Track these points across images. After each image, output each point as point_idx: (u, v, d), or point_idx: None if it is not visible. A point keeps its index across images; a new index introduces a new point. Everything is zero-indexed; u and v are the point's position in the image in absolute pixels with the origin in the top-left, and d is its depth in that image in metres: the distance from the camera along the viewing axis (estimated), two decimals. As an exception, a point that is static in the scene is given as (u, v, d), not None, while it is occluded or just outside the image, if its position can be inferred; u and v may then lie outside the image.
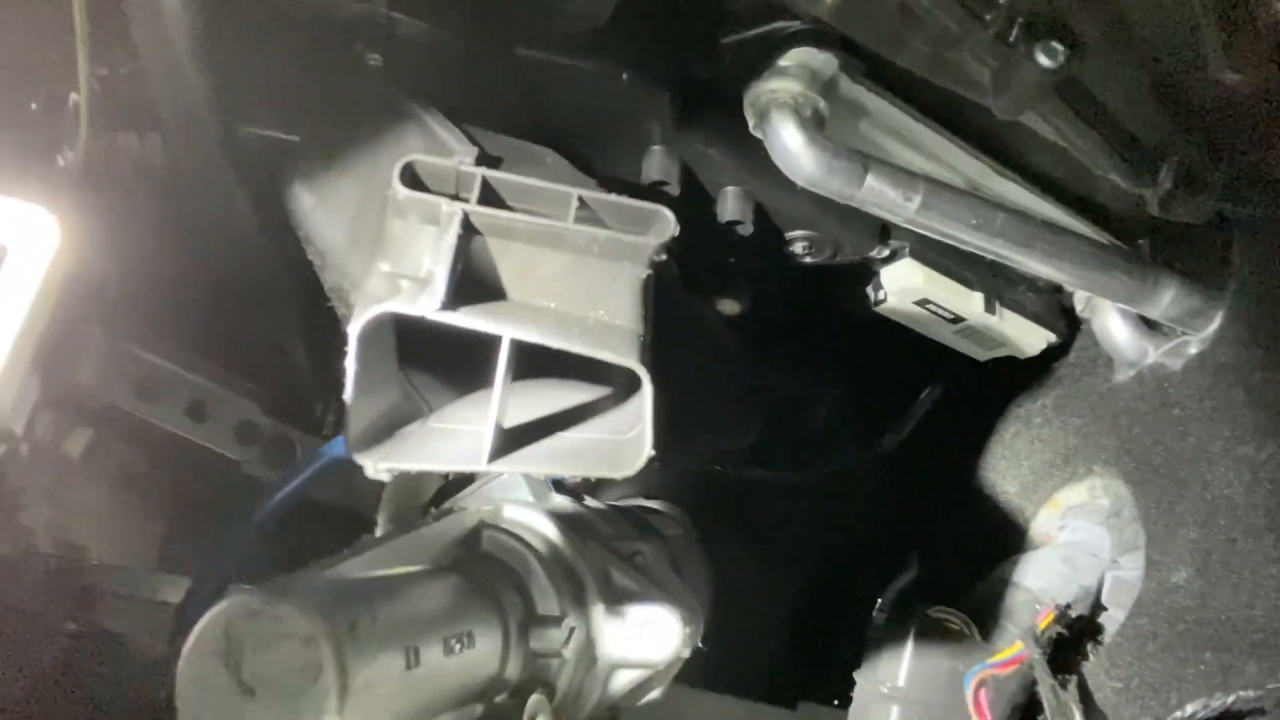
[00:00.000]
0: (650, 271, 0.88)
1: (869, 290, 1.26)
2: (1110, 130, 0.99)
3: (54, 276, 0.91)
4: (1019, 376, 1.42)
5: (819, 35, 1.01)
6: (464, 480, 1.04)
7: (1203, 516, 1.07)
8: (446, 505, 0.96)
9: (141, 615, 1.07)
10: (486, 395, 0.86)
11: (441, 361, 0.94)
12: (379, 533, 1.14)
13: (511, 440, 0.89)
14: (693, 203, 1.12)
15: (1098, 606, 1.19)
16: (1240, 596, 1.00)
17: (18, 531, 1.07)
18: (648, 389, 0.84)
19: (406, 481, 1.16)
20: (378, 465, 0.87)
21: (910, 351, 1.35)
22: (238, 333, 1.27)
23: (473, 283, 0.83)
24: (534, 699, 0.80)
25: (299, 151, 1.01)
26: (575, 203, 0.86)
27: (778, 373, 1.55)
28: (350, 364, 0.82)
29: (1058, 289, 1.30)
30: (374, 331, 0.82)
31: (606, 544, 0.95)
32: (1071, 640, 1.15)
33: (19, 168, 1.07)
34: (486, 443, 0.87)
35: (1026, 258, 1.08)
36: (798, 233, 1.19)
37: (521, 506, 0.90)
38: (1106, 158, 1.00)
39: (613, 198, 0.89)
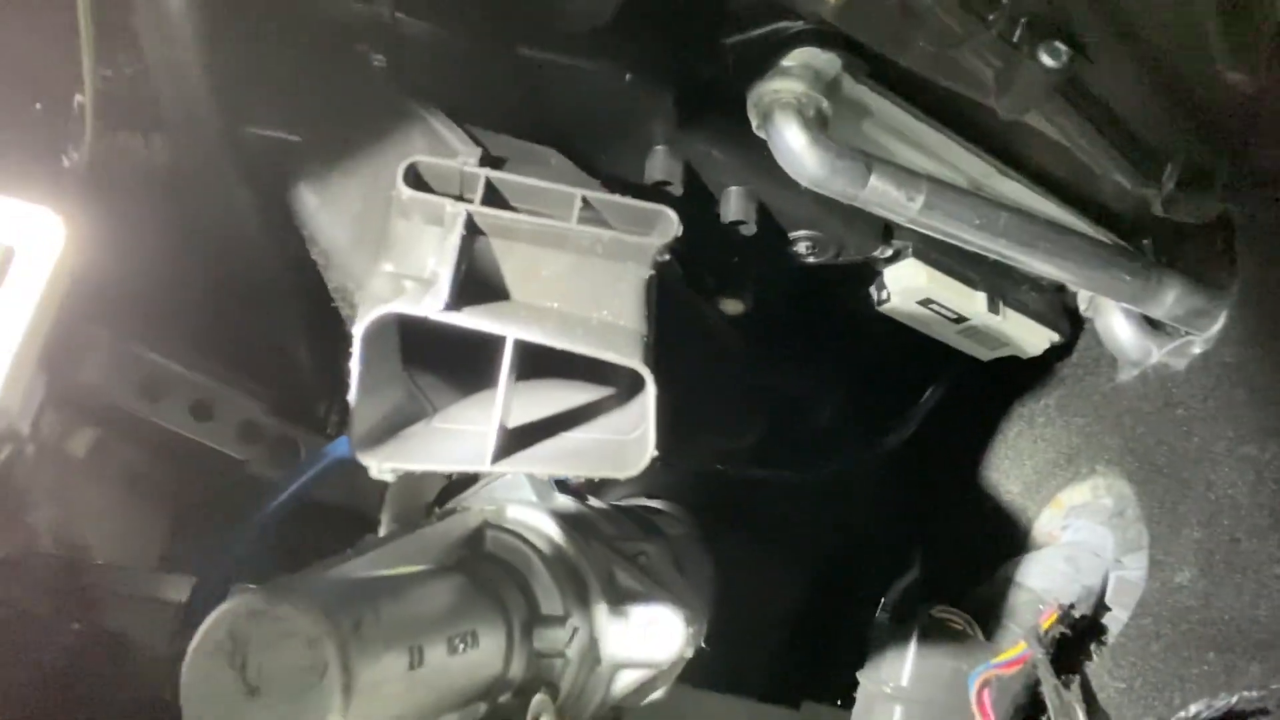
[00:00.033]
0: (653, 272, 0.88)
1: (872, 290, 1.26)
2: (1114, 130, 0.99)
3: (59, 277, 0.91)
4: (1022, 376, 1.42)
5: (822, 35, 1.01)
6: (467, 480, 1.03)
7: (1206, 516, 1.07)
8: (450, 505, 0.95)
9: (145, 615, 1.08)
10: (490, 396, 0.86)
11: (445, 362, 0.94)
12: (382, 532, 1.14)
13: (515, 440, 0.89)
14: (696, 203, 1.12)
15: (1101, 606, 1.19)
16: (1244, 597, 1.00)
17: (22, 531, 1.07)
18: (651, 389, 0.84)
19: (410, 481, 1.16)
20: (381, 465, 0.86)
21: (913, 351, 1.35)
22: (242, 332, 1.27)
23: (476, 283, 0.83)
24: (537, 699, 0.80)
25: (303, 152, 1.01)
26: (579, 203, 0.86)
27: (781, 373, 1.55)
28: (354, 364, 0.82)
29: (1061, 289, 1.30)
30: (378, 332, 0.82)
31: (610, 544, 0.95)
32: (1075, 640, 1.15)
33: (24, 168, 1.07)
34: (490, 443, 0.87)
35: (1030, 257, 1.08)
36: (801, 233, 1.19)
37: (525, 506, 0.90)
38: (1110, 158, 1.00)
39: (616, 198, 0.88)
